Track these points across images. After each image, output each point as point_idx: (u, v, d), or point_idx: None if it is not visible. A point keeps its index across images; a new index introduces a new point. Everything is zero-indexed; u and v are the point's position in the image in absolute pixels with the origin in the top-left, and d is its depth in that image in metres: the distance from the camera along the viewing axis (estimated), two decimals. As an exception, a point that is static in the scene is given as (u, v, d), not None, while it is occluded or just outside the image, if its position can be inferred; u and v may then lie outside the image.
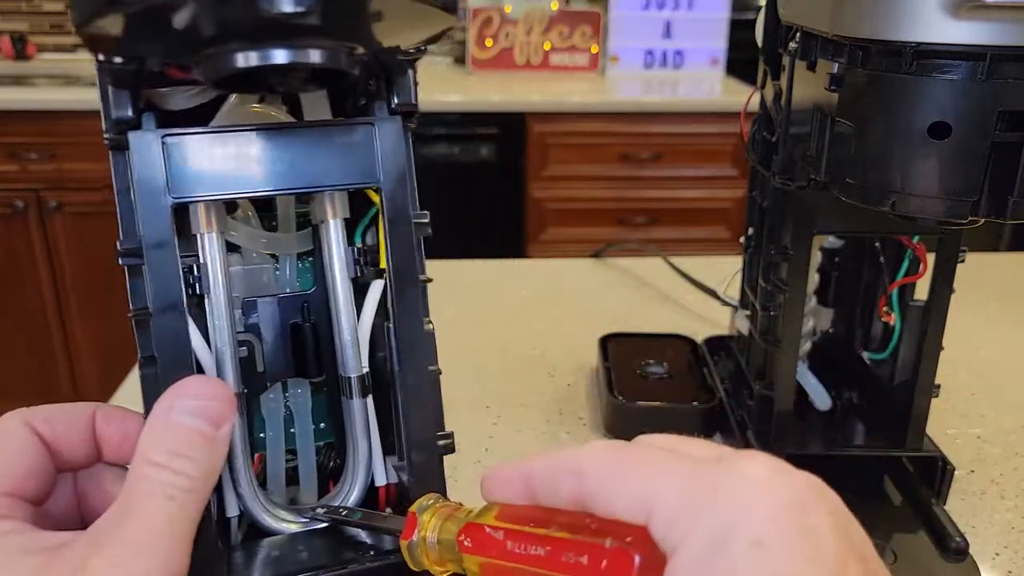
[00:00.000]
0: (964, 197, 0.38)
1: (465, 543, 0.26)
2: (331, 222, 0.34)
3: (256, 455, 0.36)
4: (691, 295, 0.84)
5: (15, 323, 1.91)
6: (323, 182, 0.31)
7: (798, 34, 0.45)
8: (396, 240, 0.32)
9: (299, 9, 0.22)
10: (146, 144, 0.29)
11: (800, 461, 0.57)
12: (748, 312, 0.60)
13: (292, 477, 0.37)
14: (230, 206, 0.35)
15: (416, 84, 0.33)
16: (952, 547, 0.47)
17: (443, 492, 0.34)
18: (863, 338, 0.59)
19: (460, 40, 2.30)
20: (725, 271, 0.65)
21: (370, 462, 0.36)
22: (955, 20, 0.35)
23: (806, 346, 0.59)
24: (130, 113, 0.29)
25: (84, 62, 2.22)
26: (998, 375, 0.71)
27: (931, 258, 0.50)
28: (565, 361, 0.72)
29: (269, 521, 0.34)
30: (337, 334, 0.34)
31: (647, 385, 0.63)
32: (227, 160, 0.30)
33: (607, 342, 0.68)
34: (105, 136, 0.29)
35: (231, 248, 0.35)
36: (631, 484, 0.22)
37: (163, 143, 0.29)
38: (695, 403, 0.60)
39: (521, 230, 2.02)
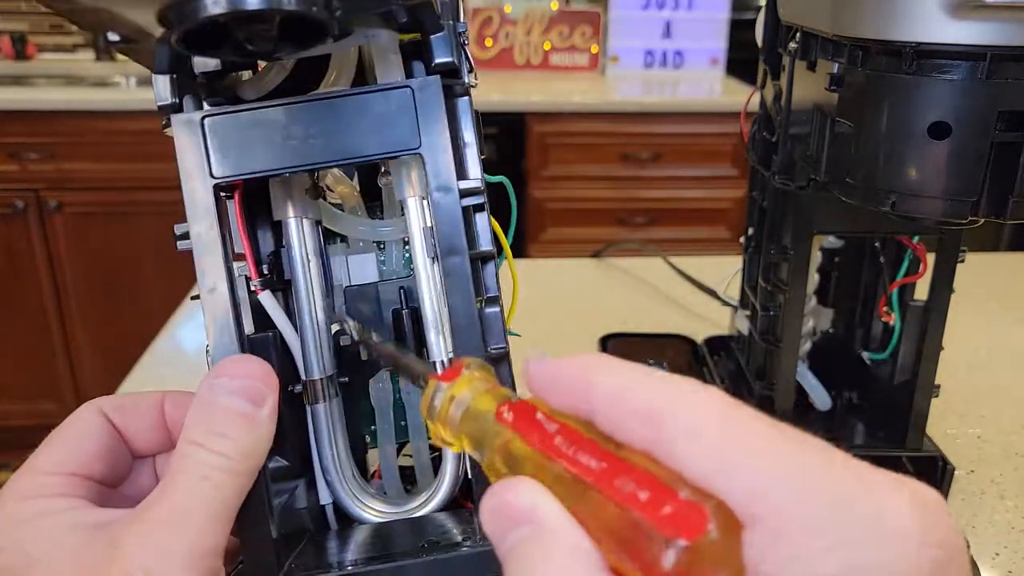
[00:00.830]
0: (964, 197, 0.38)
1: (505, 415, 0.21)
2: (409, 200, 0.32)
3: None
4: (691, 295, 0.84)
5: (15, 323, 1.91)
6: (363, 152, 0.30)
7: (798, 34, 0.45)
8: (442, 210, 0.30)
9: None
10: (186, 126, 0.29)
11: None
12: (748, 312, 0.60)
13: (411, 476, 0.37)
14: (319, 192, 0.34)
15: (461, 43, 0.31)
16: (952, 547, 0.47)
17: None
18: (863, 338, 0.59)
19: (460, 40, 2.30)
20: (725, 271, 0.65)
21: (462, 454, 0.34)
22: (955, 20, 0.35)
23: (806, 346, 0.59)
24: (171, 98, 0.29)
25: (84, 62, 2.22)
26: (998, 375, 0.71)
27: (931, 258, 0.50)
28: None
29: (356, 509, 0.33)
30: (423, 318, 0.33)
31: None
32: (266, 136, 0.29)
33: (607, 342, 0.68)
34: (163, 126, 0.30)
35: (337, 236, 0.35)
36: (740, 466, 0.17)
37: (202, 124, 0.29)
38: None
39: (521, 230, 2.02)
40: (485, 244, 0.31)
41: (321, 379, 0.32)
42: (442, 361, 0.32)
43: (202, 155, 0.29)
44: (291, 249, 0.32)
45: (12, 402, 1.96)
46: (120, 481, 0.30)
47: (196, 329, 0.77)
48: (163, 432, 0.30)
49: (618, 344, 0.68)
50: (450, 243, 0.30)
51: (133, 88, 2.13)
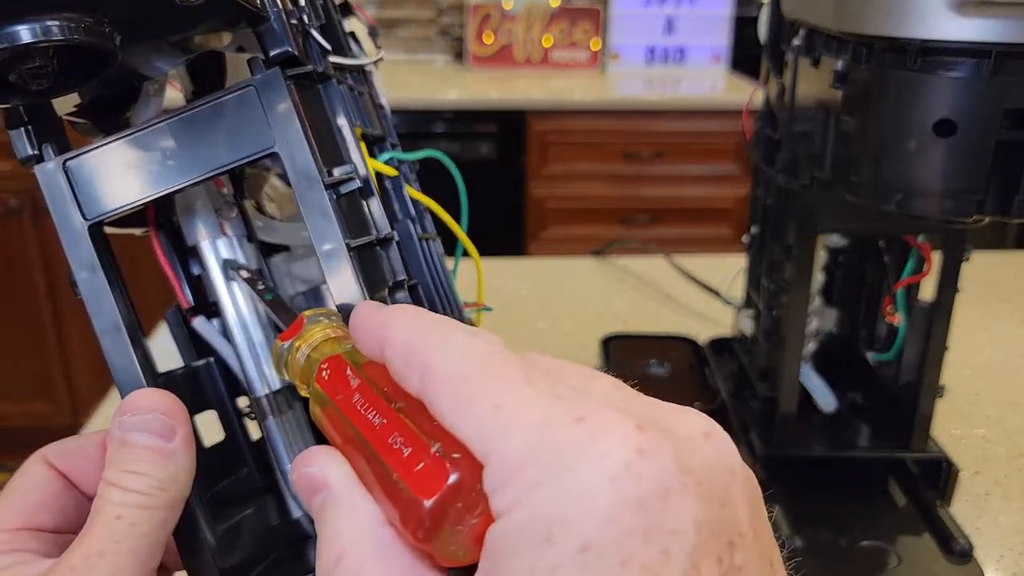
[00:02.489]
0: (969, 195, 0.37)
1: (323, 375, 0.23)
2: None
3: None
4: (694, 295, 0.84)
5: (10, 324, 1.91)
6: (223, 161, 0.29)
7: (801, 30, 0.45)
8: (308, 204, 0.28)
9: None
10: (50, 174, 0.29)
11: (803, 463, 0.57)
12: (751, 312, 0.59)
13: None
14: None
15: (305, 26, 0.30)
16: (957, 549, 0.47)
17: None
18: (867, 339, 0.58)
19: (459, 36, 2.29)
20: (728, 270, 0.65)
21: None
22: (960, 17, 0.35)
23: (810, 347, 0.58)
24: (30, 150, 0.29)
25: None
26: (1003, 375, 0.70)
27: (936, 257, 0.50)
28: (565, 358, 0.71)
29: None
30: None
31: (649, 386, 0.62)
32: (129, 166, 0.29)
33: (608, 343, 0.68)
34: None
35: (278, 247, 0.34)
36: (477, 413, 0.18)
37: (64, 168, 0.29)
38: (697, 404, 0.59)
39: (521, 228, 2.01)
40: (383, 228, 0.31)
41: (266, 395, 0.32)
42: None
43: (71, 199, 0.29)
44: (209, 272, 0.32)
45: (7, 403, 1.95)
46: (77, 525, 0.29)
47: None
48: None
49: (620, 345, 0.68)
50: (323, 235, 0.29)
51: (133, 86, 2.13)
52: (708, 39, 2.25)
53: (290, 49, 0.28)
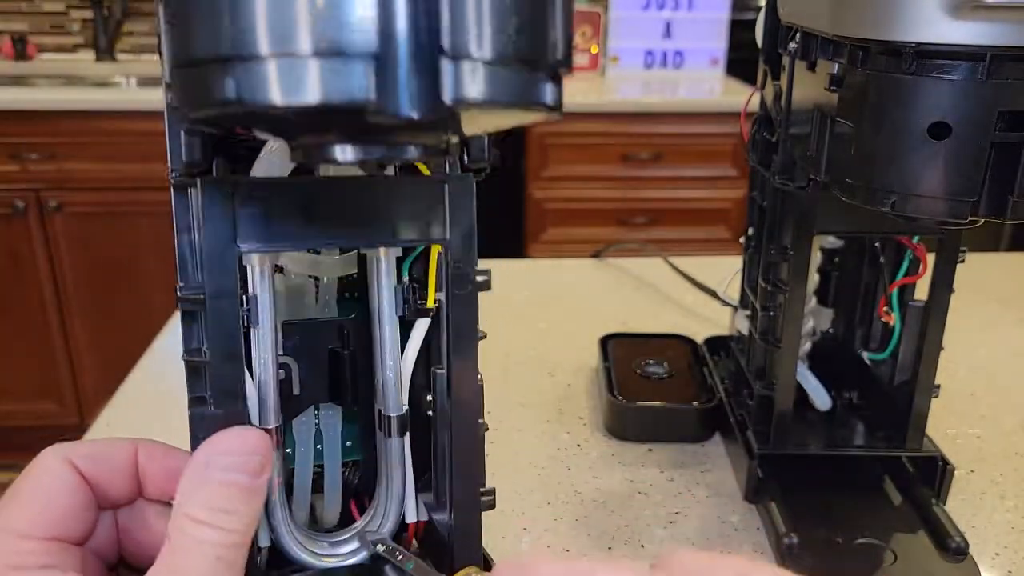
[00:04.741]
0: (964, 197, 0.38)
1: None
2: (382, 258, 0.33)
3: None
4: (691, 295, 0.84)
5: (15, 324, 1.91)
6: (391, 237, 0.31)
7: (798, 34, 0.45)
8: (458, 298, 0.32)
9: (418, 117, 0.19)
10: (216, 191, 0.28)
11: (800, 461, 0.57)
12: (748, 312, 0.60)
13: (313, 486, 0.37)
14: None
15: (490, 139, 0.32)
16: (952, 547, 0.47)
17: (480, 546, 0.34)
18: (863, 338, 0.59)
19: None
20: (725, 271, 0.65)
21: (403, 499, 0.36)
22: (955, 20, 0.35)
23: (806, 346, 0.59)
24: (201, 158, 0.27)
25: (84, 62, 2.22)
26: (998, 375, 0.71)
27: (931, 258, 0.50)
28: (565, 361, 0.72)
29: (303, 556, 0.34)
30: (380, 371, 0.34)
31: (647, 385, 0.63)
32: (297, 211, 0.29)
33: (607, 342, 0.68)
34: (172, 175, 0.28)
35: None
36: None
37: (233, 192, 0.28)
38: (695, 403, 0.60)
39: (521, 230, 2.02)
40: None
41: (277, 427, 0.32)
42: (397, 416, 0.34)
43: (230, 223, 0.28)
44: (261, 295, 0.31)
45: (12, 402, 1.96)
46: (88, 538, 0.28)
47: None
48: (134, 483, 0.29)
49: (618, 344, 0.68)
50: (463, 328, 0.32)
51: (134, 88, 2.14)
52: (706, 43, 2.25)
53: (489, 160, 0.31)
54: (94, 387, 1.95)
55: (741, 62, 2.23)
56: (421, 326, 0.34)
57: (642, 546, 0.49)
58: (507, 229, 2.01)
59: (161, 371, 0.69)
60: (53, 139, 1.80)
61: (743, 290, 0.62)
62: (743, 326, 0.61)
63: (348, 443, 0.37)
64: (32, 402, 1.96)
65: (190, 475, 0.26)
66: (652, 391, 0.62)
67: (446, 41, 0.19)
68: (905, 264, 0.53)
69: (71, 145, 1.81)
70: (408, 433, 0.35)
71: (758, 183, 0.57)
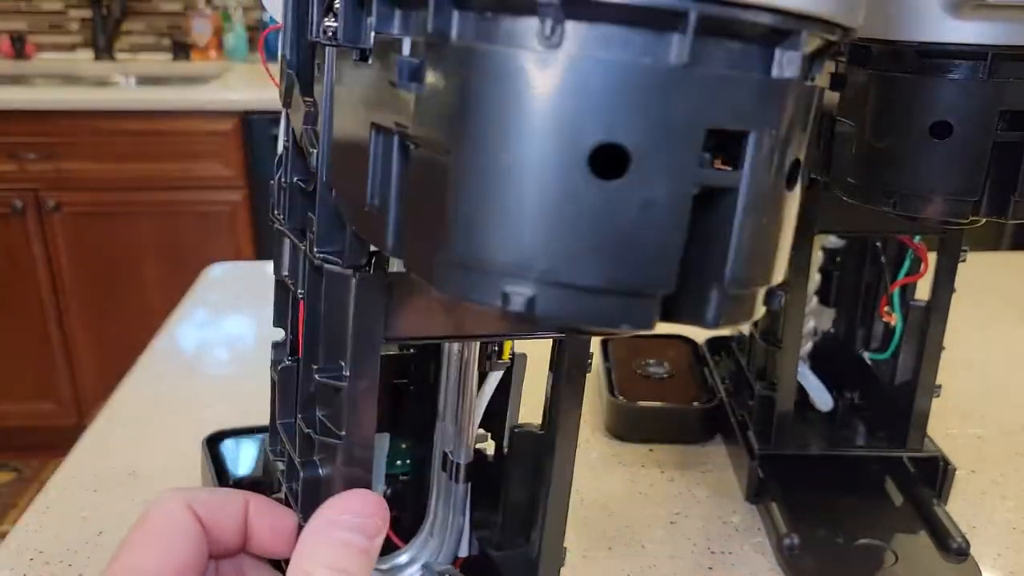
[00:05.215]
0: (965, 197, 0.38)
1: None
2: None
3: None
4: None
5: (13, 324, 1.91)
6: (521, 331, 0.31)
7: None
8: (567, 384, 0.33)
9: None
10: (369, 287, 0.27)
11: (801, 461, 0.57)
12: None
13: None
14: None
15: None
16: (953, 548, 0.47)
17: None
18: (864, 338, 0.59)
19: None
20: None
21: (459, 535, 0.36)
22: (957, 20, 0.35)
23: (807, 346, 0.59)
24: (353, 252, 0.26)
25: (83, 61, 2.22)
26: (999, 375, 0.71)
27: (932, 257, 0.50)
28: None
29: None
30: (451, 418, 0.35)
31: (648, 386, 0.62)
32: (439, 304, 0.29)
33: (607, 342, 0.68)
34: (316, 259, 0.27)
35: None
36: None
37: (389, 288, 0.27)
38: (696, 404, 0.60)
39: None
40: None
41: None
42: (466, 464, 0.35)
43: (380, 314, 0.27)
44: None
45: (11, 403, 1.95)
46: None
47: (194, 328, 0.77)
48: (243, 536, 0.30)
49: (618, 344, 0.68)
50: (570, 410, 0.33)
51: (132, 88, 2.13)
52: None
53: None
54: (92, 388, 1.94)
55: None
56: (495, 377, 0.35)
57: (643, 547, 0.49)
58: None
59: (159, 372, 0.69)
60: (51, 138, 1.80)
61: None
62: (744, 326, 0.61)
63: (398, 462, 0.38)
64: (30, 402, 1.96)
65: (312, 531, 0.27)
66: (653, 391, 0.62)
67: (725, 279, 0.18)
68: (906, 263, 0.53)
69: (70, 144, 1.80)
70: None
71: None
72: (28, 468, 1.94)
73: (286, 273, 0.30)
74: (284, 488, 0.31)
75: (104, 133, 1.80)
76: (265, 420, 0.34)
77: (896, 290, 0.52)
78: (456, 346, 0.34)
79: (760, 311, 0.21)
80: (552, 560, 0.35)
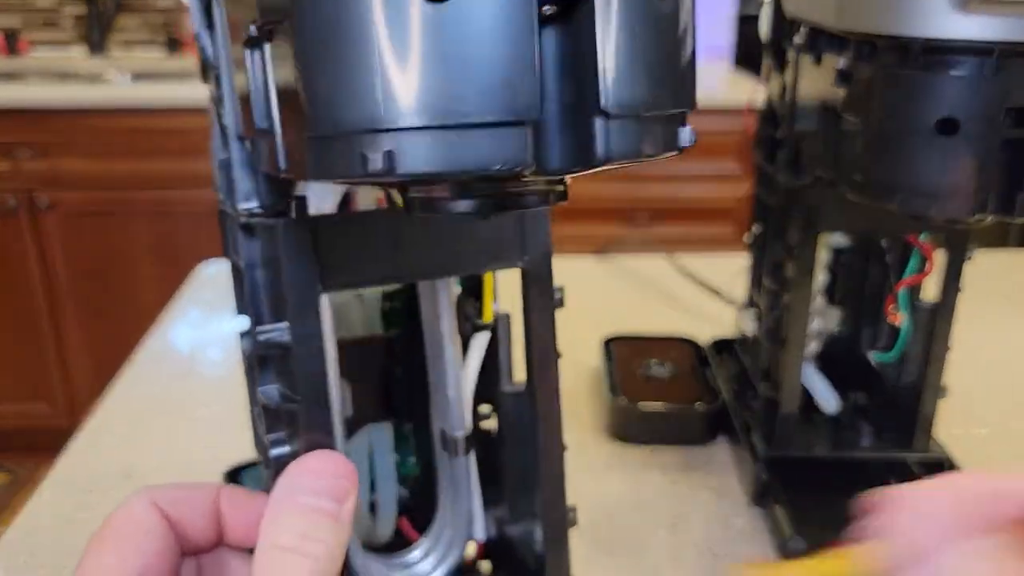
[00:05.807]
0: (972, 194, 0.37)
1: None
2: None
3: None
4: (695, 294, 0.84)
5: (6, 323, 1.90)
6: (470, 266, 0.30)
7: (803, 28, 0.44)
8: (539, 319, 0.31)
9: (572, 176, 0.19)
10: (296, 233, 0.26)
11: (806, 464, 0.56)
12: (753, 312, 0.59)
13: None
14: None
15: None
16: (960, 551, 0.46)
17: (569, 562, 0.34)
18: (870, 339, 0.58)
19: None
20: (730, 270, 0.65)
21: (471, 518, 0.35)
22: (963, 15, 0.35)
23: (812, 347, 0.58)
24: (279, 198, 0.26)
25: (77, 58, 2.21)
26: (1006, 375, 0.70)
27: (939, 256, 0.49)
28: (566, 361, 0.70)
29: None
30: (441, 390, 0.33)
31: (650, 387, 0.62)
32: (378, 247, 0.28)
33: (610, 344, 0.67)
34: (242, 217, 0.27)
35: None
36: None
37: (315, 232, 0.27)
38: (699, 405, 0.59)
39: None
40: None
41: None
42: (464, 435, 0.34)
43: (313, 264, 0.27)
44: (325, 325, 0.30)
45: (4, 404, 1.94)
46: None
47: (188, 327, 0.76)
48: (216, 528, 0.28)
49: (621, 346, 0.67)
50: (545, 348, 0.32)
51: (127, 85, 2.12)
52: (710, 37, 2.25)
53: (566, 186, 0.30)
54: (86, 388, 1.93)
55: (746, 57, 2.22)
56: (480, 341, 0.34)
57: (645, 550, 0.49)
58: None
59: (152, 372, 0.68)
60: (45, 136, 1.79)
61: (748, 289, 0.61)
62: (748, 326, 0.60)
63: (404, 462, 0.37)
64: (23, 403, 1.95)
65: (275, 505, 0.25)
66: (655, 393, 0.61)
67: (600, 102, 0.18)
68: (912, 262, 0.52)
69: (63, 143, 1.79)
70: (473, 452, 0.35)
71: (763, 180, 0.56)
72: (22, 469, 1.93)
73: (235, 254, 0.30)
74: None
75: (98, 131, 1.79)
76: None
77: (902, 290, 0.52)
78: (429, 313, 0.33)
79: (673, 142, 0.21)
80: (556, 522, 0.33)
